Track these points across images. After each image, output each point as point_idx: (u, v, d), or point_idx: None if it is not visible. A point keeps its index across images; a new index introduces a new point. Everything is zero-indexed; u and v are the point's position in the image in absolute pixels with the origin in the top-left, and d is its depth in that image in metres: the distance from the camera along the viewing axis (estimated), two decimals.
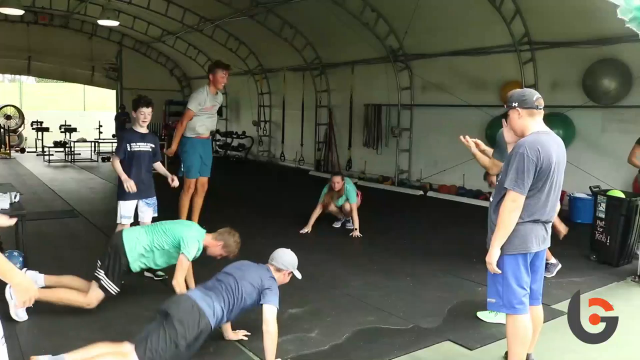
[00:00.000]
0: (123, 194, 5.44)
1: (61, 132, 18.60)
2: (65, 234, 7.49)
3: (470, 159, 5.63)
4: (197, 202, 7.01)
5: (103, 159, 17.34)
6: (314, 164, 15.54)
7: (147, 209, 5.59)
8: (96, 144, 18.31)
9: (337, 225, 8.16)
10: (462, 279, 5.71)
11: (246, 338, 4.06)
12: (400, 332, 4.32)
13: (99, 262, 4.48)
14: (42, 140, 18.57)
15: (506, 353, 3.80)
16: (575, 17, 8.78)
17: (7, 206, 5.32)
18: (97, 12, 16.05)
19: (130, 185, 5.31)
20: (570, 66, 9.49)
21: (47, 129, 18.84)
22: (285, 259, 4.01)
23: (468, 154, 5.66)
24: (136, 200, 5.50)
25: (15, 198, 5.69)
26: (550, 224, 3.44)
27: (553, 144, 3.29)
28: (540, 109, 3.32)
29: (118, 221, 5.50)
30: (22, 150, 19.47)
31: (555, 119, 8.69)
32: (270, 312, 3.66)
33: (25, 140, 20.75)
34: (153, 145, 5.57)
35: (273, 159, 17.82)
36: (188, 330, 3.42)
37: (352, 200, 7.69)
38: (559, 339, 4.19)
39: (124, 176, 5.34)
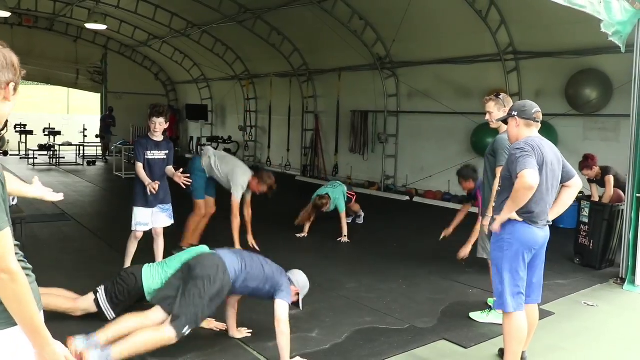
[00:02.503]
0: (139, 201, 5.39)
1: (45, 135, 18.48)
2: (58, 237, 7.53)
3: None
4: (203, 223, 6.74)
5: (88, 163, 17.29)
6: (301, 169, 15.69)
7: (161, 214, 5.49)
8: (81, 147, 18.23)
9: (348, 220, 8.33)
10: (453, 282, 5.89)
11: (249, 335, 4.20)
12: (397, 331, 4.48)
13: (104, 285, 4.46)
14: (25, 143, 18.43)
15: (500, 350, 4.01)
16: (558, 29, 9.08)
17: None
18: (82, 15, 16.08)
19: (154, 187, 5.22)
20: (553, 76, 9.81)
21: (31, 132, 18.71)
22: (300, 279, 4.09)
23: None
24: (152, 208, 5.42)
25: (13, 201, 5.75)
26: (548, 224, 3.64)
27: (546, 146, 3.53)
28: (538, 122, 3.54)
29: (133, 228, 5.42)
30: (5, 153, 19.26)
31: None
32: (282, 308, 3.76)
33: (8, 143, 20.54)
34: (167, 152, 5.54)
35: (259, 164, 17.91)
36: (210, 284, 3.62)
37: (341, 210, 7.88)
38: (548, 337, 4.40)
39: (147, 181, 5.27)
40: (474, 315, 4.82)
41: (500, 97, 4.77)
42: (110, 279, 4.47)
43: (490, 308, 4.75)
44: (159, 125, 5.40)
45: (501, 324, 4.08)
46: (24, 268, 1.97)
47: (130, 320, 3.62)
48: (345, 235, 7.77)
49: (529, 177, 3.29)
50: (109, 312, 4.31)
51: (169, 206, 5.59)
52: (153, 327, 3.59)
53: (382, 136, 12.94)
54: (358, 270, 6.30)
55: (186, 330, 3.59)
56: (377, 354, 4.04)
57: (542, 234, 3.58)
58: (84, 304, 4.41)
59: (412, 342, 4.26)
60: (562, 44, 9.30)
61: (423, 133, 12.41)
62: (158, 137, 5.49)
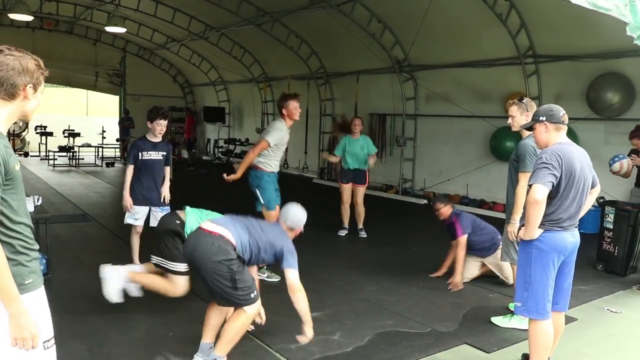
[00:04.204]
0: (134, 199, 5.54)
1: (65, 136, 18.72)
2: (81, 237, 7.62)
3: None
4: None
5: (107, 164, 17.49)
6: (318, 172, 15.70)
7: (160, 214, 5.42)
8: (101, 149, 18.44)
9: (342, 234, 8.31)
10: (474, 286, 5.87)
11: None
12: (419, 335, 4.48)
13: (154, 255, 4.43)
14: (46, 144, 18.68)
15: (523, 355, 3.99)
16: (579, 32, 9.00)
17: (31, 209, 5.44)
18: (102, 18, 16.28)
19: (128, 205, 5.49)
20: (573, 79, 9.71)
21: (51, 134, 18.97)
22: (300, 218, 4.04)
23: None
24: (147, 207, 5.56)
25: (37, 201, 5.84)
26: (577, 229, 3.63)
27: (576, 153, 3.51)
28: (566, 124, 3.53)
29: (125, 221, 5.65)
30: (26, 155, 19.57)
31: None
32: (293, 275, 3.74)
33: (28, 144, 20.85)
34: (164, 153, 5.62)
35: None
36: (223, 263, 3.53)
37: (372, 151, 8.24)
38: (572, 343, 4.36)
39: (126, 192, 5.46)
40: (496, 319, 4.79)
41: (524, 101, 4.74)
42: (155, 243, 4.45)
43: (512, 313, 4.72)
44: (164, 128, 5.53)
45: (524, 329, 4.08)
46: (27, 248, 2.17)
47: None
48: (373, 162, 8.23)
49: (536, 192, 3.34)
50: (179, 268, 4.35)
51: (168, 208, 5.60)
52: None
53: (400, 139, 12.91)
54: (377, 273, 6.30)
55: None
56: (400, 357, 4.04)
57: (571, 239, 3.56)
58: (177, 284, 4.38)
59: (434, 346, 4.26)
60: (583, 47, 9.22)
61: (441, 136, 12.36)
62: (157, 138, 5.58)
